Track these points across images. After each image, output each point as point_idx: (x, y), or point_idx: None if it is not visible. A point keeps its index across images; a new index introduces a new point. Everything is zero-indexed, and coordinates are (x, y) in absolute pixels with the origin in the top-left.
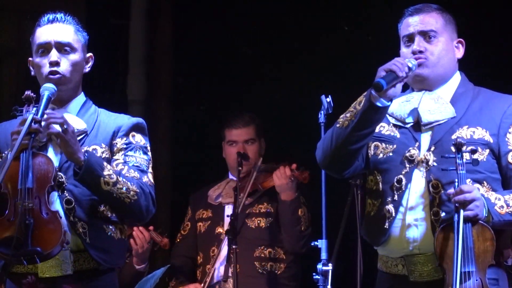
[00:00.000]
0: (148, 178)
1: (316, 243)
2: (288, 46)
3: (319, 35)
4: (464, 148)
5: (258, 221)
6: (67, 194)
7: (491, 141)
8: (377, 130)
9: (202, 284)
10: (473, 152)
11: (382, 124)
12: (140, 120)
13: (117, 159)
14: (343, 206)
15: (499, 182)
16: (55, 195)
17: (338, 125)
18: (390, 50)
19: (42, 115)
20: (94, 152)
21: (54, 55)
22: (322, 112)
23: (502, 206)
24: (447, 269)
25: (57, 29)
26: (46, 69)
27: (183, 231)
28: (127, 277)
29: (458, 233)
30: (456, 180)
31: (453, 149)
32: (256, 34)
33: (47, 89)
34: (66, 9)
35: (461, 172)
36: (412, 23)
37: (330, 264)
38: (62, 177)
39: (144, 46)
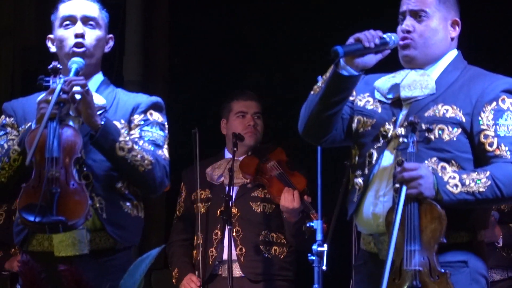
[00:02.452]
0: (163, 152)
1: (311, 224)
2: (286, 31)
3: (318, 21)
4: (423, 127)
5: (264, 206)
6: (85, 169)
7: (464, 120)
8: (362, 104)
9: (204, 268)
10: (428, 131)
11: (367, 98)
12: (159, 99)
13: (133, 134)
14: (339, 187)
15: (471, 162)
16: (73, 170)
17: (312, 92)
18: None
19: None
20: (125, 136)
21: (79, 27)
22: None
23: (456, 185)
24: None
25: (82, 4)
26: (71, 41)
27: (178, 212)
28: None
29: (397, 211)
30: (405, 158)
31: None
32: (254, 16)
33: (76, 62)
34: None
35: (411, 151)
36: (405, 1)
37: (325, 245)
38: (81, 151)
39: (140, 26)
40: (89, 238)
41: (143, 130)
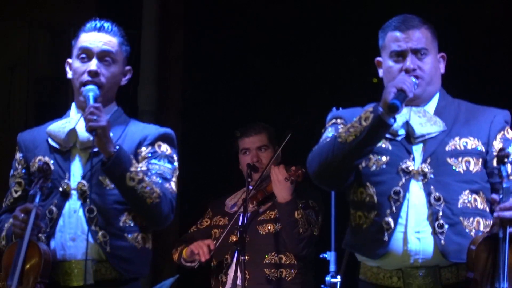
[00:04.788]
0: (171, 186)
1: (325, 255)
2: (300, 57)
3: (335, 44)
4: (506, 160)
5: (269, 227)
6: (89, 203)
7: (483, 149)
8: None
9: None
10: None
11: None
12: (168, 130)
13: (141, 166)
14: None
15: (489, 190)
16: (78, 203)
17: (340, 140)
18: None
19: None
20: (137, 167)
21: (93, 64)
22: None
23: None
24: (480, 283)
25: (102, 38)
26: (84, 77)
27: (200, 225)
28: None
29: (505, 250)
30: (501, 192)
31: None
32: (268, 48)
33: (92, 90)
34: (76, 18)
35: (505, 185)
36: (402, 38)
37: (338, 276)
38: (84, 185)
39: (155, 56)
40: (94, 268)
41: (151, 163)
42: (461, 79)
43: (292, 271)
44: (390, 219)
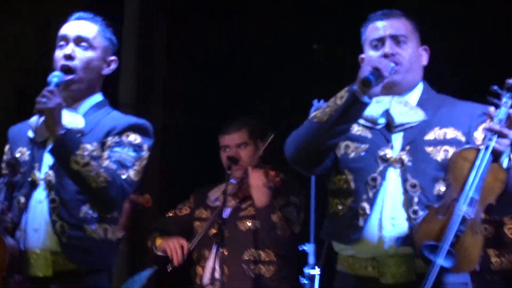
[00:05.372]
0: (128, 173)
1: (304, 247)
2: (287, 50)
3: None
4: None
5: (249, 224)
6: (53, 193)
7: (463, 140)
8: None
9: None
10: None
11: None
12: (140, 121)
13: (103, 155)
14: None
15: None
16: (44, 194)
17: (315, 120)
18: None
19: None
20: (84, 151)
21: (69, 48)
22: None
23: None
24: (455, 187)
25: (80, 24)
26: (60, 62)
27: (179, 211)
28: None
29: (484, 156)
30: (500, 118)
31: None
32: (254, 35)
33: (56, 76)
34: (62, 10)
35: (508, 109)
36: (382, 26)
37: (317, 268)
38: (50, 175)
39: (136, 49)
40: (52, 260)
41: (113, 151)
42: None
43: (271, 267)
44: (366, 205)
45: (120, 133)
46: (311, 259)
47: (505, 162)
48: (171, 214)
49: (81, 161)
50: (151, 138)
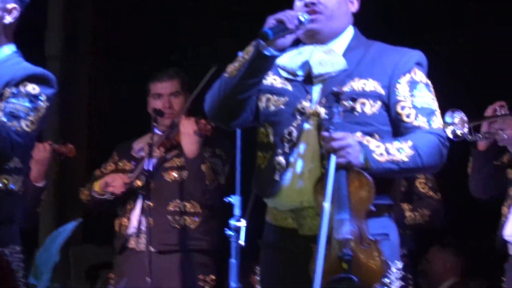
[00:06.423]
0: (20, 124)
1: (229, 199)
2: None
3: None
4: (344, 102)
5: (174, 175)
6: None
7: (383, 93)
8: (268, 83)
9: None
10: (352, 100)
11: (274, 77)
12: (38, 70)
13: (0, 107)
14: None
15: (390, 134)
16: None
17: (226, 75)
18: None
19: None
20: None
21: None
22: None
23: (382, 154)
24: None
25: None
26: None
27: (104, 169)
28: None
29: (327, 181)
30: (331, 128)
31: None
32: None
33: None
34: None
35: (337, 121)
36: None
37: (242, 220)
38: None
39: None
40: None
41: (8, 102)
42: None
43: (196, 219)
44: (282, 159)
45: (17, 84)
46: (237, 211)
47: (359, 159)
48: (98, 173)
49: None
50: (51, 88)
